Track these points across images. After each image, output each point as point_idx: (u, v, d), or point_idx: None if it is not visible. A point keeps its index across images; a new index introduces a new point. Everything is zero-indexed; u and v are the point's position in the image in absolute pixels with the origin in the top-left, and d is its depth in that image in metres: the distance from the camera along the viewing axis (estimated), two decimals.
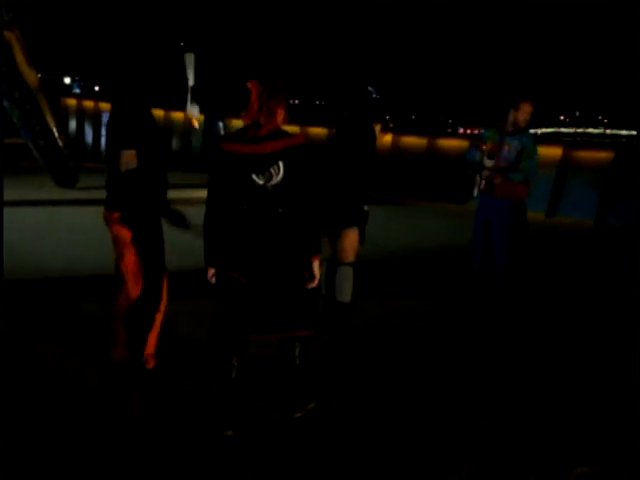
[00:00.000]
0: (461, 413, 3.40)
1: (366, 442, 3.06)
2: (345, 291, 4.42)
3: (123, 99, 3.66)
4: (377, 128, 4.53)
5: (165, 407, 3.35)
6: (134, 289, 3.64)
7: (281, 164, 3.01)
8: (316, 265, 3.14)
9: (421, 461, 2.91)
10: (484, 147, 5.12)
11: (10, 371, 3.58)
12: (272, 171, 3.01)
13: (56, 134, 10.78)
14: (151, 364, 3.71)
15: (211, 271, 3.16)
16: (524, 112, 5.05)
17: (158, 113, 15.53)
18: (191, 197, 10.61)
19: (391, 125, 4.91)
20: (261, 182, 3.01)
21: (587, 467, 2.89)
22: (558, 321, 5.17)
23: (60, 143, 10.88)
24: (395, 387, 3.71)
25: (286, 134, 3.08)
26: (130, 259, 3.62)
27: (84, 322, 4.59)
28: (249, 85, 3.06)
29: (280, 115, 3.07)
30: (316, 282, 3.17)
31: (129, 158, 3.41)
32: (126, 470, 2.77)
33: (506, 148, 5.01)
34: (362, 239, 4.51)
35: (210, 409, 3.13)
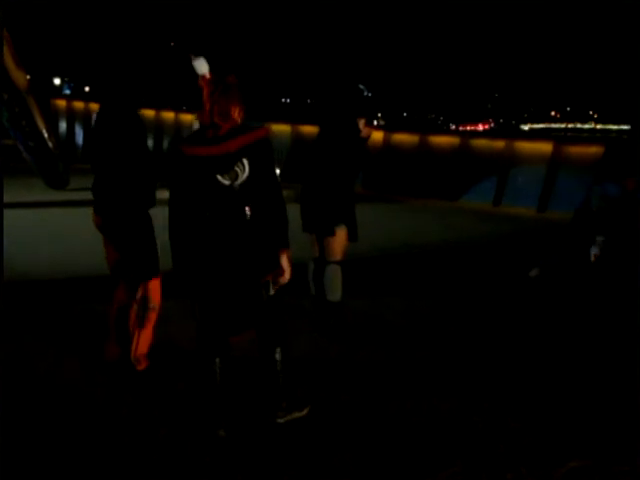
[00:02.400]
0: (454, 409, 3.42)
1: (360, 439, 3.07)
2: (334, 290, 4.41)
3: (111, 101, 3.66)
4: (361, 123, 4.47)
5: (158, 408, 3.35)
6: (122, 289, 3.66)
7: (245, 161, 2.92)
8: (284, 260, 3.05)
9: (414, 457, 2.92)
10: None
11: (5, 372, 3.57)
12: (237, 170, 2.92)
13: (46, 135, 10.71)
14: (143, 365, 3.70)
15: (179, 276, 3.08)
16: None
17: (149, 113, 15.49)
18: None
19: (382, 122, 4.88)
20: (227, 182, 2.93)
21: (579, 461, 2.91)
22: (553, 317, 5.19)
23: (50, 144, 10.82)
24: (388, 385, 3.72)
25: (246, 129, 2.98)
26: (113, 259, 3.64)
27: (76, 323, 4.57)
28: (200, 83, 2.98)
29: (235, 112, 2.97)
30: (287, 276, 3.08)
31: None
32: (119, 471, 2.77)
33: None
34: (354, 237, 4.50)
35: (203, 409, 3.13)
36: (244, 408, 3.32)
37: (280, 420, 3.18)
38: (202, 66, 3.22)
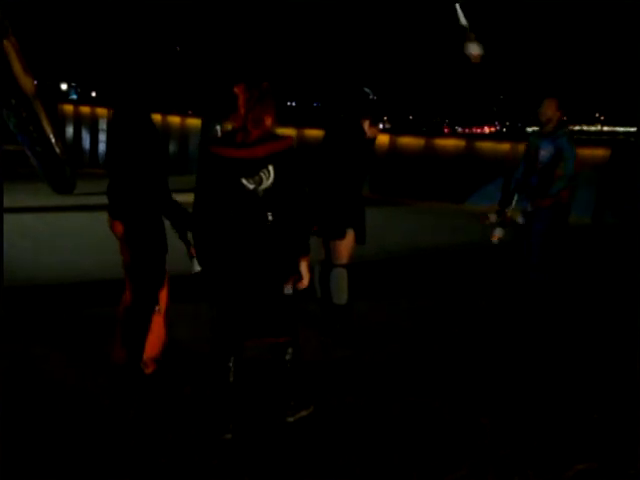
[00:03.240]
0: (461, 412, 3.41)
1: (366, 442, 3.07)
2: (340, 293, 4.41)
3: (124, 105, 3.69)
4: (366, 124, 4.47)
5: (164, 411, 3.36)
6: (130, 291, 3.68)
7: (271, 168, 2.98)
8: (304, 266, 3.11)
9: (421, 460, 2.92)
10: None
11: (10, 376, 3.59)
12: (262, 175, 2.97)
13: (53, 140, 10.76)
14: (150, 368, 3.71)
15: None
16: (546, 111, 5.04)
17: (156, 117, 15.58)
18: (187, 201, 10.56)
19: (387, 125, 4.86)
20: (251, 187, 2.97)
21: (585, 464, 2.90)
22: (559, 319, 5.17)
23: (57, 150, 10.86)
24: (394, 387, 3.71)
25: (275, 137, 3.05)
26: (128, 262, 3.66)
27: (82, 327, 4.59)
28: (236, 90, 3.03)
29: (268, 120, 3.04)
30: (305, 282, 3.14)
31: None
32: (125, 474, 2.77)
33: (542, 153, 5.03)
34: (363, 239, 4.50)
35: (209, 413, 3.14)
36: (252, 409, 3.33)
37: (290, 419, 3.21)
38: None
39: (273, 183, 2.99)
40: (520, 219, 5.24)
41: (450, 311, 5.32)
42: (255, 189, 2.98)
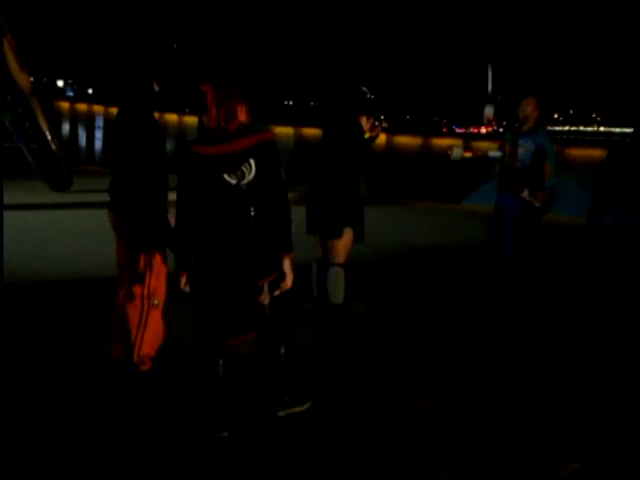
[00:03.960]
0: (456, 410, 3.42)
1: (362, 440, 3.07)
2: (337, 292, 4.41)
3: (129, 103, 3.71)
4: (363, 120, 4.46)
5: (160, 409, 3.36)
6: (126, 288, 3.72)
7: (252, 161, 2.97)
8: (287, 264, 3.08)
9: (416, 458, 2.92)
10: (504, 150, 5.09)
11: (9, 374, 3.59)
12: (244, 169, 2.97)
13: (49, 137, 10.73)
14: (147, 366, 3.71)
15: (183, 277, 3.09)
16: (525, 109, 5.03)
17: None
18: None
19: (384, 125, 4.84)
20: (234, 182, 2.97)
21: (580, 463, 2.91)
22: (555, 319, 5.18)
23: (53, 147, 10.84)
24: (391, 386, 3.72)
25: (253, 130, 3.04)
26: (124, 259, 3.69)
27: (79, 325, 4.58)
28: (203, 89, 3.02)
29: (242, 113, 3.03)
30: (289, 282, 3.10)
31: None
32: (121, 472, 2.77)
33: (520, 150, 5.00)
34: (361, 238, 4.51)
35: (204, 411, 3.14)
36: (246, 407, 3.33)
37: (281, 413, 3.21)
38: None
39: (255, 176, 2.98)
40: (495, 153, 5.13)
41: (446, 310, 5.33)
42: (238, 184, 2.97)
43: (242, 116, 3.04)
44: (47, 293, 5.38)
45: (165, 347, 3.89)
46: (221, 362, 3.09)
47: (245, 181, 2.98)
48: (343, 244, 4.39)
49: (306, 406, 3.30)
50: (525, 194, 4.97)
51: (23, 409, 3.29)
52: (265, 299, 3.08)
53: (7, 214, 6.48)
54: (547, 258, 6.31)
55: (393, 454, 2.97)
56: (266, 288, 3.08)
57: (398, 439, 3.10)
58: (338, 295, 4.42)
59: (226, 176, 2.98)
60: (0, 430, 2.83)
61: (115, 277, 3.92)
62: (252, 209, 2.99)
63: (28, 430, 3.09)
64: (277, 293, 3.10)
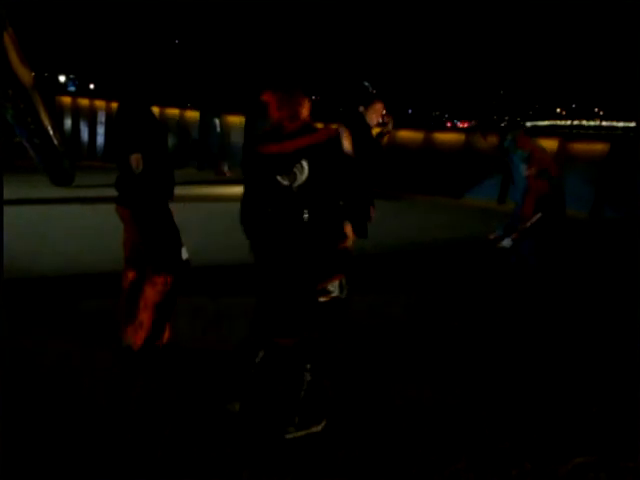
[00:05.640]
0: (459, 405, 3.42)
1: (365, 435, 3.07)
2: (339, 288, 4.39)
3: (130, 99, 3.73)
4: (368, 115, 4.43)
5: (163, 405, 3.36)
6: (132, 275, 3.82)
7: (305, 163, 2.88)
8: (348, 228, 3.11)
9: (419, 453, 2.92)
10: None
11: (9, 369, 3.59)
12: (296, 171, 2.88)
13: (51, 132, 10.75)
14: (155, 353, 3.82)
15: None
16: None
17: (154, 110, 15.51)
18: (186, 194, 10.58)
19: (389, 127, 4.78)
20: (286, 183, 2.91)
21: (583, 457, 2.91)
22: (558, 314, 5.18)
23: (55, 142, 10.85)
24: (393, 381, 3.72)
25: (311, 130, 2.96)
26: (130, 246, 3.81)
27: (82, 319, 4.58)
28: (266, 98, 2.99)
29: (304, 112, 2.99)
30: (349, 242, 3.13)
31: (137, 161, 3.52)
32: (124, 469, 2.77)
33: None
34: (364, 234, 4.49)
35: (208, 408, 3.13)
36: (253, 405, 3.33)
37: (289, 436, 3.02)
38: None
39: (307, 179, 2.89)
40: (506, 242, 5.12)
41: (449, 305, 5.32)
42: (290, 185, 2.91)
43: (305, 113, 3.00)
44: (48, 288, 5.38)
45: (169, 343, 3.90)
46: (261, 354, 3.10)
47: (297, 183, 2.90)
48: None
49: (321, 426, 3.10)
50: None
51: (23, 406, 3.28)
52: (328, 297, 3.08)
53: (9, 209, 6.49)
54: (550, 253, 6.29)
55: (397, 449, 2.97)
56: (333, 286, 3.09)
57: (402, 434, 3.10)
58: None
59: (279, 177, 2.92)
60: (0, 428, 2.83)
61: (115, 272, 3.93)
62: (305, 212, 2.92)
63: (28, 427, 3.09)
64: (324, 299, 3.08)
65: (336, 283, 3.08)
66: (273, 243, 2.98)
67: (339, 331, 4.46)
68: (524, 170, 4.95)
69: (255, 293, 3.14)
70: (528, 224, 4.91)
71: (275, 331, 3.06)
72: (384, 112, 4.76)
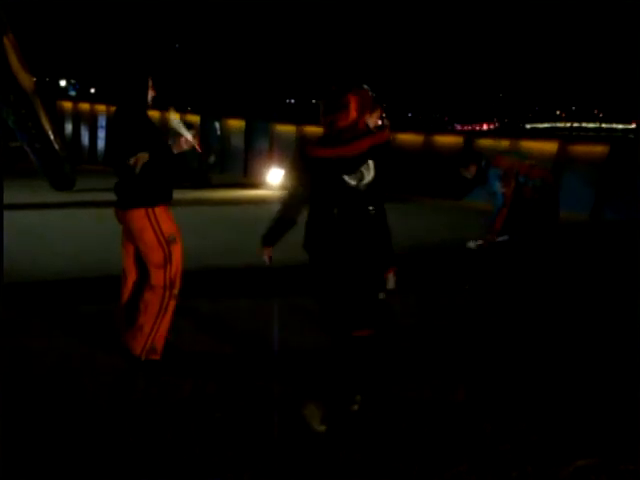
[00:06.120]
0: (461, 407, 3.41)
1: (367, 436, 3.07)
2: None
3: (127, 102, 3.73)
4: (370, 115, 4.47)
5: (164, 409, 3.36)
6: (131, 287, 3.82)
7: (371, 163, 3.04)
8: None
9: (422, 455, 2.92)
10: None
11: (9, 371, 3.60)
12: (363, 171, 3.04)
13: (52, 137, 10.76)
14: (157, 355, 3.81)
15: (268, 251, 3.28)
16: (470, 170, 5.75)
17: (154, 115, 15.52)
18: (185, 198, 10.60)
19: (386, 122, 4.82)
20: (353, 183, 3.04)
21: (585, 460, 2.91)
22: (560, 316, 5.18)
23: (56, 146, 10.86)
24: (396, 382, 3.71)
25: (372, 132, 3.13)
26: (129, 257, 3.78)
27: (83, 322, 4.59)
28: (349, 99, 3.08)
29: (375, 115, 3.29)
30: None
31: (138, 161, 3.52)
32: (125, 471, 2.78)
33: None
34: None
35: (209, 412, 3.13)
36: (255, 403, 3.33)
37: (355, 407, 3.22)
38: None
39: (374, 178, 3.05)
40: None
41: (451, 307, 5.32)
42: (357, 185, 3.04)
43: (375, 117, 3.27)
44: (49, 292, 5.39)
45: (168, 347, 3.90)
46: (344, 346, 3.18)
47: (364, 182, 3.04)
48: None
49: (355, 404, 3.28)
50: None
51: (24, 408, 3.29)
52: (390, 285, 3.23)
53: (9, 213, 6.50)
54: (550, 255, 6.30)
55: (398, 450, 2.97)
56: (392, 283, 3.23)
57: (403, 435, 3.10)
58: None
59: (346, 177, 3.04)
60: (0, 429, 2.83)
61: (116, 276, 3.93)
62: (371, 207, 3.07)
63: (30, 429, 3.09)
64: (382, 296, 3.21)
65: (391, 275, 3.24)
66: (342, 241, 3.10)
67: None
68: (499, 187, 5.48)
69: (318, 294, 3.23)
70: (496, 239, 5.56)
71: (353, 324, 3.15)
72: (384, 115, 4.77)
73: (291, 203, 3.24)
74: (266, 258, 3.32)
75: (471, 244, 5.71)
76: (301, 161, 3.17)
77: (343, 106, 3.05)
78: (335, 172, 3.06)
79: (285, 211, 3.25)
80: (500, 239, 5.60)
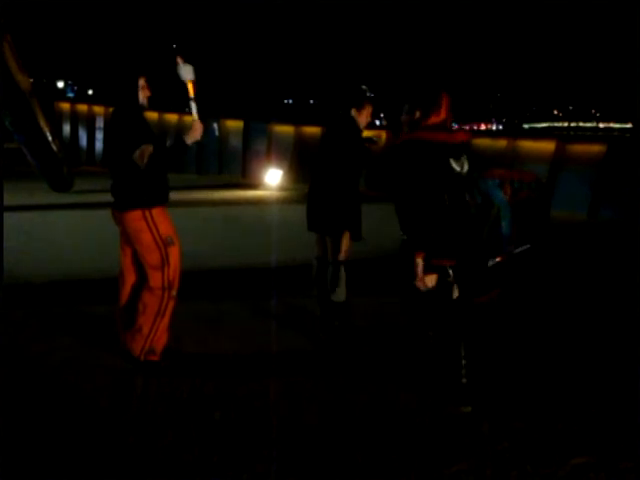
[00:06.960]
0: (459, 406, 3.42)
1: (366, 436, 3.08)
2: (338, 290, 4.41)
3: (121, 103, 3.73)
4: (358, 115, 4.45)
5: (163, 410, 3.37)
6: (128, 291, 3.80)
7: (465, 154, 3.32)
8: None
9: (421, 454, 2.93)
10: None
11: (11, 373, 3.60)
12: (463, 159, 3.30)
13: (50, 138, 10.76)
14: (157, 356, 3.81)
15: (419, 257, 3.29)
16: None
17: (152, 116, 15.51)
18: (184, 199, 10.60)
19: (384, 123, 4.86)
20: (458, 169, 3.27)
21: (583, 458, 2.92)
22: (557, 315, 5.19)
23: (54, 147, 10.86)
24: (394, 382, 3.72)
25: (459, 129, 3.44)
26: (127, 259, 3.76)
27: (81, 324, 4.59)
28: (444, 98, 3.35)
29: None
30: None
31: (143, 154, 3.52)
32: (125, 472, 2.78)
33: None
34: (358, 237, 4.50)
35: (208, 412, 3.13)
36: (248, 403, 3.33)
37: (465, 409, 3.34)
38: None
39: (468, 169, 3.32)
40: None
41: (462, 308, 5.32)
42: (460, 172, 3.29)
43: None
44: (46, 293, 5.39)
45: (169, 347, 3.90)
46: (431, 334, 3.40)
47: (464, 170, 3.30)
48: (343, 242, 4.39)
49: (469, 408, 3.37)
50: None
51: (26, 409, 3.29)
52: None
53: (8, 215, 6.50)
54: (547, 254, 6.32)
55: (397, 450, 2.97)
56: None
57: (402, 435, 3.11)
58: (340, 293, 4.42)
59: (453, 163, 3.27)
60: (0, 430, 2.84)
61: (114, 277, 3.94)
62: (467, 195, 3.38)
63: (31, 430, 3.10)
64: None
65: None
66: (456, 225, 3.28)
67: (339, 335, 4.47)
68: (501, 195, 5.43)
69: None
70: (515, 250, 5.45)
71: (476, 292, 3.46)
72: (382, 115, 4.80)
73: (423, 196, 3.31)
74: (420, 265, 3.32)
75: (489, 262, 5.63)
76: (412, 147, 3.26)
77: (437, 104, 3.30)
78: (443, 156, 3.23)
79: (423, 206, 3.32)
80: (519, 250, 5.53)
